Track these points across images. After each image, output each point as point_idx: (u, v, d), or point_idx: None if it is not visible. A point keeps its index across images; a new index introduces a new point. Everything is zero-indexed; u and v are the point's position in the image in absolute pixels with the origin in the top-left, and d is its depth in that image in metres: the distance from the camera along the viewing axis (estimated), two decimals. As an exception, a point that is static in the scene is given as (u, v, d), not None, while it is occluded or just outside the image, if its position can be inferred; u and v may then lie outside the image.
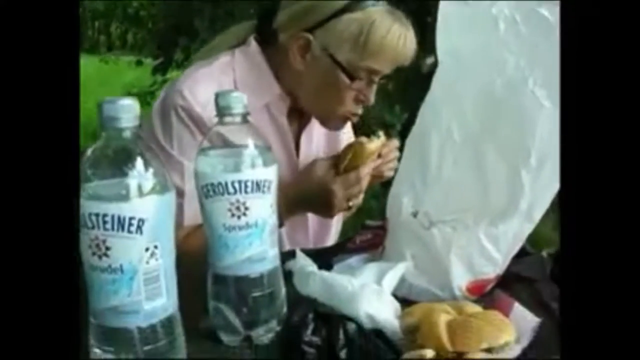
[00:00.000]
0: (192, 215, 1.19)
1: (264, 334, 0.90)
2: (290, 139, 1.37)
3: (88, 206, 0.69)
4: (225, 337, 0.90)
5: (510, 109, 0.91)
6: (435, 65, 0.98)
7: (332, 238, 1.50)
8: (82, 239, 0.72)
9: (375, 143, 1.30)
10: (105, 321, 0.74)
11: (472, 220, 0.97)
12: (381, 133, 1.32)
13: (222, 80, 1.28)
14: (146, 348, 0.75)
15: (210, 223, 0.86)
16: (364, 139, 1.29)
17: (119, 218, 0.69)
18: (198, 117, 1.25)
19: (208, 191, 0.84)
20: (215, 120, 0.86)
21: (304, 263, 1.00)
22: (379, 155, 1.32)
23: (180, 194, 1.27)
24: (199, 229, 1.31)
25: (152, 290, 0.73)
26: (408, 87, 3.20)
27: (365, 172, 1.28)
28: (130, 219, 0.69)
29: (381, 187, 1.38)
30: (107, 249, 0.70)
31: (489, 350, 0.81)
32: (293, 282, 0.98)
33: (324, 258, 1.10)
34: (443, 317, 0.84)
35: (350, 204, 1.30)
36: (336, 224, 1.51)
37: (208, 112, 1.28)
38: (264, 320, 0.89)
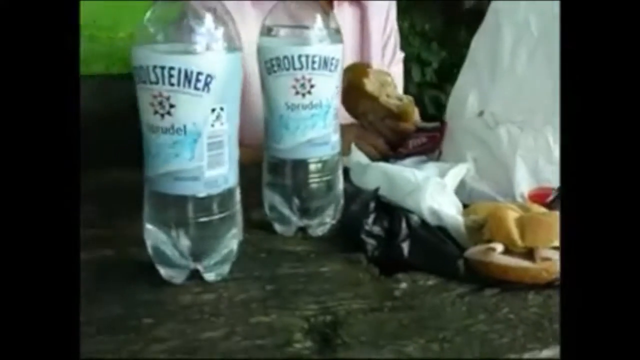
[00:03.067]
0: None
1: (319, 226, 0.86)
2: None
3: (152, 58, 0.65)
4: (279, 228, 0.86)
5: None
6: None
7: None
8: (141, 96, 0.67)
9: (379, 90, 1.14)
10: (162, 188, 0.69)
11: (541, 121, 0.91)
12: (409, 101, 1.18)
13: None
14: (203, 219, 0.70)
15: (272, 102, 0.81)
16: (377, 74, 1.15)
17: (185, 72, 0.64)
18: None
19: (272, 66, 0.79)
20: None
21: (360, 158, 0.96)
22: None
23: None
24: None
25: (215, 157, 0.69)
26: (446, 25, 3.13)
27: None
28: (198, 74, 0.65)
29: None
30: (172, 106, 0.65)
31: (557, 248, 0.76)
32: (350, 177, 0.94)
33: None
34: (511, 213, 0.80)
35: None
36: None
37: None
38: (320, 210, 0.85)
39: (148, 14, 0.68)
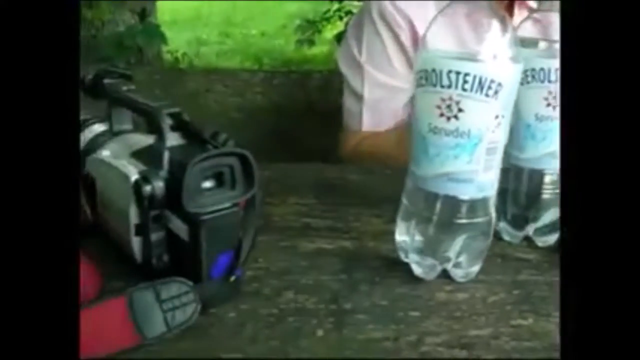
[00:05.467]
0: (369, 122, 1.26)
1: (546, 236, 0.87)
2: None
3: (447, 64, 0.68)
4: (506, 234, 0.88)
5: None
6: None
7: None
8: (425, 97, 0.70)
9: None
10: (434, 187, 0.72)
11: None
12: None
13: None
14: (464, 221, 0.73)
15: (521, 112, 0.83)
16: None
17: (480, 79, 0.67)
18: (393, 20, 1.26)
19: (526, 77, 0.81)
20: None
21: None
22: None
23: (359, 99, 1.34)
24: (375, 135, 1.31)
25: (489, 162, 0.71)
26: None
27: None
28: (491, 81, 0.67)
29: None
30: (460, 110, 0.68)
31: None
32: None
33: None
34: None
35: None
36: None
37: (403, 14, 1.27)
38: (548, 222, 0.87)
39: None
